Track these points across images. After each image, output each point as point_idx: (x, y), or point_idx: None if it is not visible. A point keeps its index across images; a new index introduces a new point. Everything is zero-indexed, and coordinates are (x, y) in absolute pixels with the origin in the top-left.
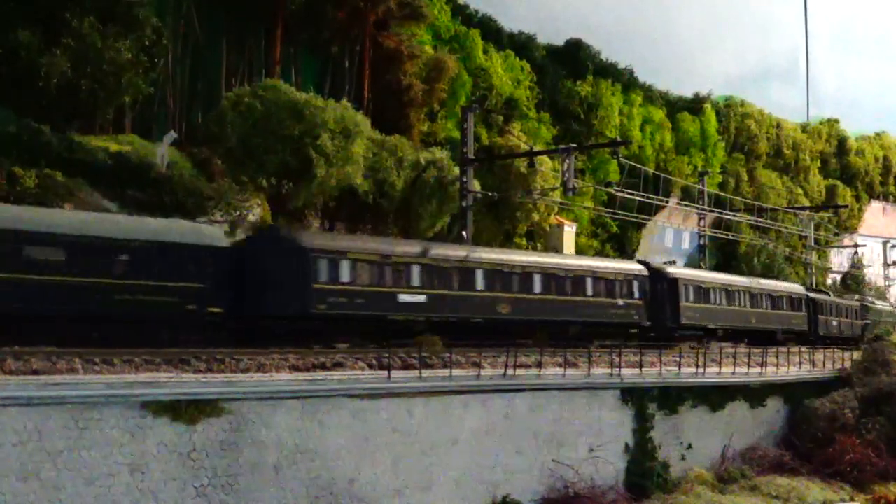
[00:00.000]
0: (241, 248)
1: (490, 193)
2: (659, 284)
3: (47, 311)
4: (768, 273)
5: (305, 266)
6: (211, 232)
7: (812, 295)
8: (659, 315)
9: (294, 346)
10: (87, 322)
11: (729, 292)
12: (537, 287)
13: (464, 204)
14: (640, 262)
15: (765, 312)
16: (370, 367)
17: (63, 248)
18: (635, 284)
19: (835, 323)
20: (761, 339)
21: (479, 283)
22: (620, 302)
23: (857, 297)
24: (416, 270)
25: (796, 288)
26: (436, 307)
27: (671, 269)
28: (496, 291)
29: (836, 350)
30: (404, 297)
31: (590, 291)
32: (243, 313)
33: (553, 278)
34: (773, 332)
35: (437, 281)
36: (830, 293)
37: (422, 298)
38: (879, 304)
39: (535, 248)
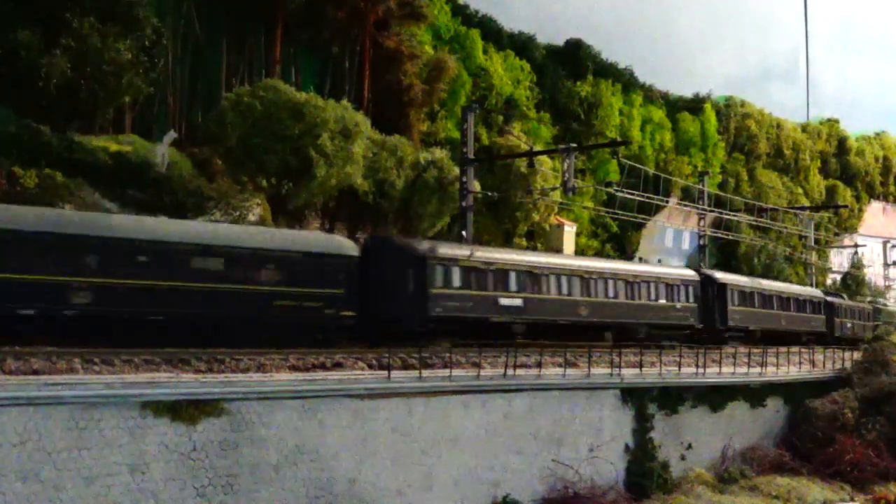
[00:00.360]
0: (365, 256)
1: (490, 193)
2: (709, 289)
3: (211, 316)
4: (768, 273)
5: (423, 273)
6: (344, 242)
7: (829, 298)
8: (709, 317)
9: (410, 346)
10: (245, 324)
11: (765, 297)
12: (611, 291)
13: (464, 204)
14: (692, 268)
15: (792, 315)
16: (370, 367)
17: (223, 258)
18: (690, 289)
19: (849, 325)
20: (789, 340)
21: (564, 287)
22: (678, 305)
23: (868, 299)
24: (513, 276)
25: (815, 292)
26: (530, 310)
27: (719, 275)
28: (577, 296)
29: (845, 350)
30: (504, 301)
31: (654, 295)
32: (369, 316)
33: (624, 283)
34: (799, 333)
35: (531, 286)
36: (845, 296)
37: (519, 302)
38: (891, 306)
39: (535, 248)
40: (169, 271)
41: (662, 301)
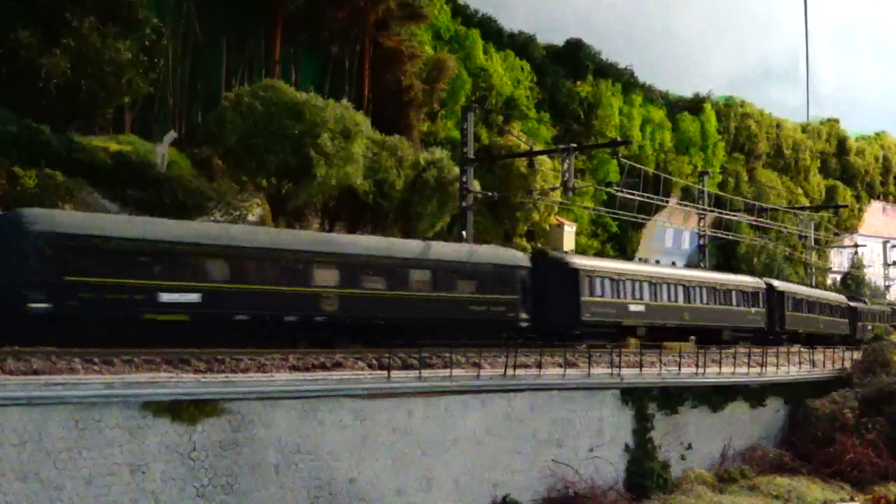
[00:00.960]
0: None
1: (490, 193)
2: (772, 296)
3: (423, 320)
4: (768, 273)
5: (576, 283)
6: (519, 255)
7: (852, 303)
8: (771, 321)
9: (564, 346)
10: (446, 328)
11: (810, 303)
12: (705, 298)
13: (464, 204)
14: (758, 277)
15: (828, 319)
16: (370, 366)
17: (430, 270)
18: (760, 296)
19: (870, 327)
20: (823, 341)
21: (674, 295)
22: (753, 311)
23: (887, 302)
24: (638, 286)
25: (842, 298)
26: (650, 315)
27: (777, 283)
28: (682, 302)
29: (846, 350)
30: (632, 307)
31: (735, 302)
32: (538, 321)
33: (714, 291)
34: (832, 336)
35: (651, 294)
36: (867, 300)
37: (642, 308)
38: None
39: (535, 248)
40: (394, 282)
41: (742, 307)
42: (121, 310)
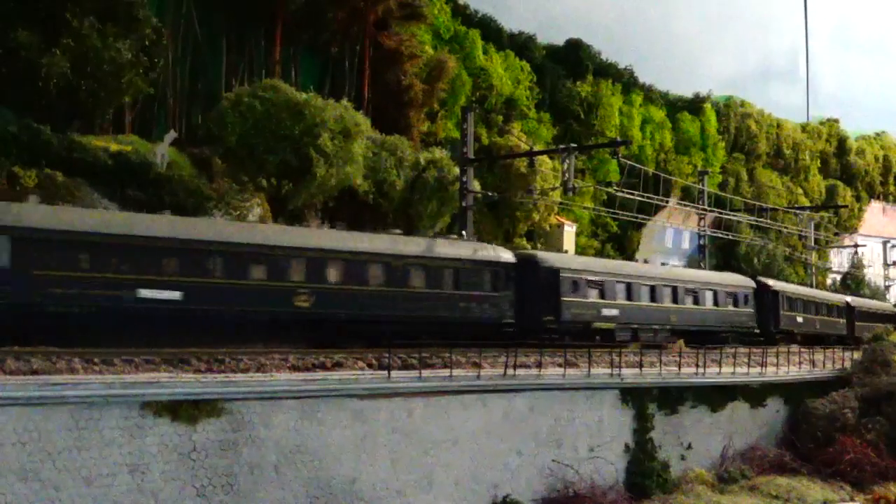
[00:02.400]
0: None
1: (490, 193)
2: (764, 296)
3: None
4: (768, 273)
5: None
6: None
7: (851, 302)
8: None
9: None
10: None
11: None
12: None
13: (464, 204)
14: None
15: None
16: (370, 366)
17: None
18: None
19: (868, 327)
20: (820, 341)
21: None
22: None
23: (892, 302)
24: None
25: (837, 297)
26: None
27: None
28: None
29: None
30: (605, 311)
31: (722, 302)
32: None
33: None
34: (829, 335)
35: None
36: (868, 299)
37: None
38: None
39: (535, 248)
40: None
41: (730, 307)
42: None
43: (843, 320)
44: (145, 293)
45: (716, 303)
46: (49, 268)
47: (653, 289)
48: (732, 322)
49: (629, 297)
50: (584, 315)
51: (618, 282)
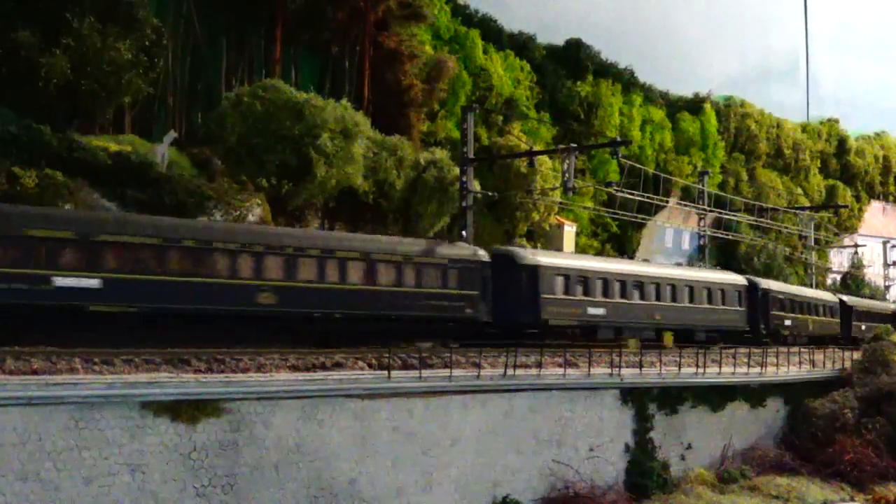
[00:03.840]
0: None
1: (490, 193)
2: (754, 294)
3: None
4: (769, 273)
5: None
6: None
7: (847, 302)
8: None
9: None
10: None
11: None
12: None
13: (464, 204)
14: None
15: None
16: (370, 366)
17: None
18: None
19: (864, 327)
20: (813, 341)
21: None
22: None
23: (892, 301)
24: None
25: (834, 297)
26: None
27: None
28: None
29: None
30: (588, 309)
31: (712, 300)
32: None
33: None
34: (824, 336)
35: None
36: (868, 298)
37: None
38: None
39: (535, 248)
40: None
41: (719, 306)
42: None
43: (837, 320)
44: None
45: (705, 300)
46: None
47: (639, 286)
48: (721, 321)
49: (613, 294)
50: (565, 312)
51: (601, 278)
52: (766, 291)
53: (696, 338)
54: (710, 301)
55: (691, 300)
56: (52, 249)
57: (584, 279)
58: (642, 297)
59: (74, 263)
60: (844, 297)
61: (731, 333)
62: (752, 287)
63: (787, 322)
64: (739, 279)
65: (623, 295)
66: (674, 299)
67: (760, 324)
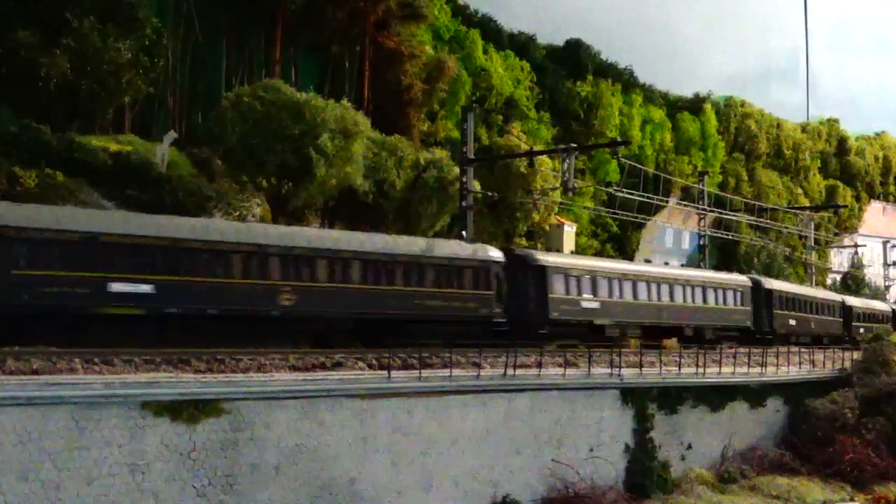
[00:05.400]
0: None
1: (490, 193)
2: (758, 294)
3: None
4: (769, 273)
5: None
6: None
7: (848, 302)
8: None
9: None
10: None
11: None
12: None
13: (464, 204)
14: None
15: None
16: (370, 366)
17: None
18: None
19: (862, 330)
20: (815, 340)
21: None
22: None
23: (893, 302)
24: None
25: (836, 297)
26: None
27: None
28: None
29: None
30: (596, 308)
31: (718, 300)
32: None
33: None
34: (823, 336)
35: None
36: (871, 299)
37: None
38: None
39: (534, 248)
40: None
41: (726, 305)
42: None
43: (839, 320)
44: None
45: (711, 300)
46: None
47: (646, 285)
48: (726, 320)
49: (621, 294)
50: (575, 312)
51: (608, 279)
52: (770, 291)
53: (706, 336)
54: (715, 301)
55: (698, 299)
56: None
57: (593, 279)
58: (651, 297)
59: None
60: (845, 298)
61: (736, 332)
62: (756, 286)
63: (791, 321)
64: (743, 279)
65: (632, 295)
66: (682, 299)
67: (764, 322)
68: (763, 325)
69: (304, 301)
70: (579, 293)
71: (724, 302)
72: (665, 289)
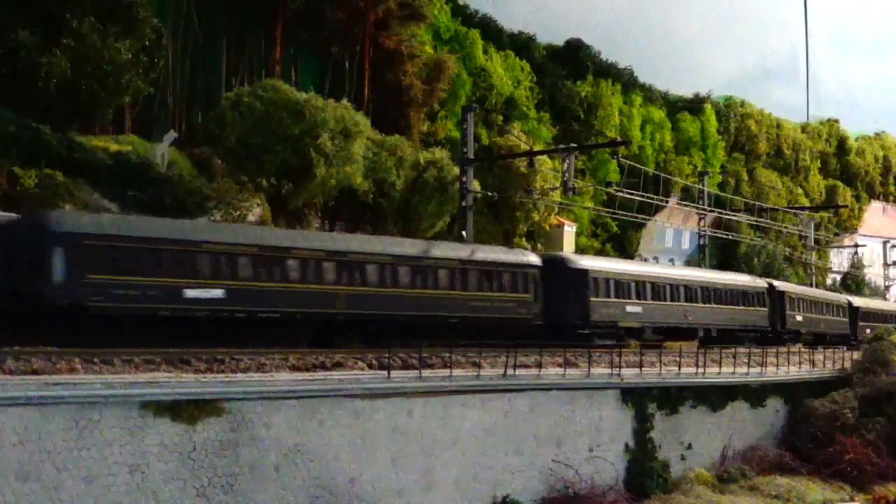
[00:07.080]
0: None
1: (490, 193)
2: (773, 295)
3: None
4: (769, 273)
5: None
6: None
7: (855, 303)
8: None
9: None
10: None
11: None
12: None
13: (464, 204)
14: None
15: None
16: (370, 366)
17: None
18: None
19: (868, 330)
20: (827, 341)
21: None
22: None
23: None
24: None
25: (843, 298)
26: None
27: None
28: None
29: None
30: (631, 310)
31: (741, 302)
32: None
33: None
34: (833, 335)
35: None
36: (879, 300)
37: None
38: None
39: (535, 248)
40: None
41: (747, 307)
42: None
43: (846, 320)
44: None
45: (736, 303)
46: None
47: (678, 289)
48: (747, 321)
49: (656, 298)
50: (611, 314)
51: (645, 283)
52: (783, 293)
53: (736, 335)
54: (740, 303)
55: (725, 302)
56: None
57: (627, 282)
58: (678, 299)
59: None
60: (851, 298)
61: (756, 332)
62: (770, 288)
63: (800, 320)
64: (760, 282)
65: (664, 297)
66: (709, 301)
67: (778, 323)
68: (776, 326)
69: (359, 304)
70: (619, 297)
71: (747, 304)
72: (697, 293)
